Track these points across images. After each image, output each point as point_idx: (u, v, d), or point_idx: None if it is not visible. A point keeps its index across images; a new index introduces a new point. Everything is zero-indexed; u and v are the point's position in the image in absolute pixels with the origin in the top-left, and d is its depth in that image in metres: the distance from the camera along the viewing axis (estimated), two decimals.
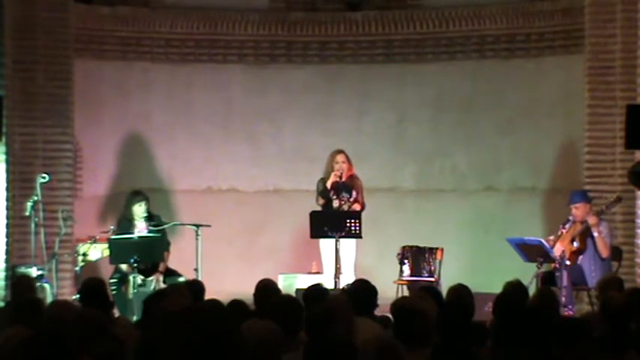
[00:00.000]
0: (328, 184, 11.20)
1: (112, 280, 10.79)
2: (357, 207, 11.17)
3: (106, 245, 10.68)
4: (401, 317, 5.75)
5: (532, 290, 8.28)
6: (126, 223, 11.12)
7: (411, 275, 11.33)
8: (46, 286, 10.34)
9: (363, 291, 7.00)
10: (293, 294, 9.93)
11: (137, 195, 11.24)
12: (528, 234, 11.03)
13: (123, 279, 10.80)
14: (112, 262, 10.83)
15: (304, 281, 10.71)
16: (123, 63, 12.61)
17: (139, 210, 11.13)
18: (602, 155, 11.27)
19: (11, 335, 4.83)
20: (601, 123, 11.25)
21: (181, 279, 10.64)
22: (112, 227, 11.09)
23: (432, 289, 7.36)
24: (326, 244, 11.09)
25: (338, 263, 10.62)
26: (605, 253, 10.31)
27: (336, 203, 11.20)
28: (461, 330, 5.52)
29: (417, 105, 12.91)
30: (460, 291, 7.14)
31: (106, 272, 11.06)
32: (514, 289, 7.21)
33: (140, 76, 12.75)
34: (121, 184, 12.50)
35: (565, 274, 10.02)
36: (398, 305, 5.86)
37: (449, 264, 11.42)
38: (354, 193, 11.23)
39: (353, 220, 10.75)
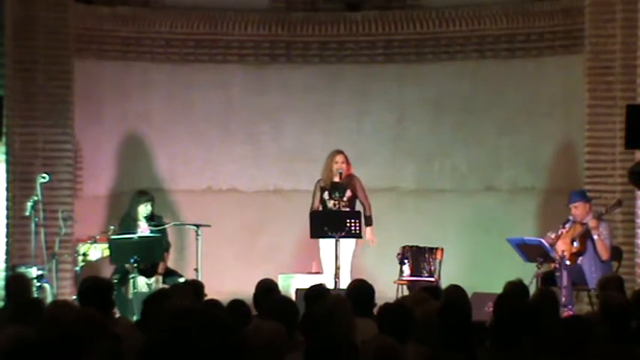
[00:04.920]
0: (322, 183, 11.25)
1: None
2: (367, 211, 11.20)
3: (106, 245, 10.69)
4: (388, 315, 5.80)
5: (532, 290, 8.29)
6: (130, 222, 11.15)
7: (411, 275, 11.32)
8: (46, 286, 10.34)
9: (361, 291, 6.99)
10: (293, 294, 9.98)
11: (144, 195, 11.29)
12: (528, 234, 11.04)
13: (123, 279, 10.80)
14: (112, 262, 10.86)
15: (304, 281, 10.71)
16: (123, 63, 12.61)
17: (144, 210, 11.16)
18: (602, 155, 11.27)
19: (11, 335, 4.82)
20: (601, 123, 11.25)
21: (181, 279, 10.64)
22: (112, 227, 11.09)
23: (435, 289, 7.37)
24: (325, 244, 11.09)
25: (338, 263, 10.62)
26: (605, 255, 10.32)
27: (330, 203, 11.22)
28: (461, 330, 5.52)
29: (417, 105, 12.91)
30: (457, 291, 7.16)
31: (106, 272, 11.06)
32: (515, 288, 7.21)
33: (140, 76, 12.75)
34: (121, 184, 12.50)
35: (565, 274, 10.03)
36: (386, 305, 5.93)
37: (449, 264, 11.42)
38: (347, 193, 11.23)
39: (353, 220, 10.76)
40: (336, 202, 11.17)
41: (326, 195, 11.25)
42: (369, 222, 11.29)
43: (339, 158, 11.28)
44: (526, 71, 12.48)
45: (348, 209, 11.14)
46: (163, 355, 4.16)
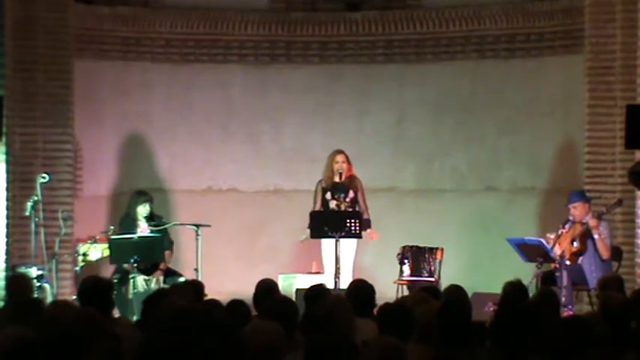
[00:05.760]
0: (323, 183, 11.26)
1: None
2: (364, 214, 11.16)
3: (106, 245, 10.69)
4: (388, 315, 5.82)
5: (532, 290, 8.28)
6: (129, 221, 11.15)
7: (411, 275, 11.32)
8: (46, 286, 10.34)
9: (361, 291, 6.99)
10: (293, 294, 9.97)
11: (142, 195, 11.28)
12: (528, 234, 11.03)
13: (123, 279, 10.80)
14: (112, 262, 10.86)
15: (304, 281, 10.71)
16: (123, 63, 12.61)
17: (143, 210, 11.16)
18: (602, 155, 11.27)
19: (11, 335, 4.83)
20: (601, 123, 11.25)
21: (181, 279, 10.64)
22: (112, 227, 11.10)
23: (435, 289, 7.37)
24: (327, 244, 11.08)
25: (338, 263, 10.62)
26: (605, 254, 10.31)
27: (332, 204, 11.21)
28: (461, 330, 5.53)
29: (417, 105, 12.91)
30: (457, 291, 7.16)
31: (106, 272, 11.06)
32: (514, 289, 7.21)
33: (140, 76, 12.75)
34: (121, 184, 12.50)
35: (565, 274, 10.03)
36: (386, 305, 5.94)
37: (449, 264, 11.43)
38: (350, 193, 11.24)
39: (353, 220, 10.76)
40: (339, 203, 11.17)
41: (328, 195, 11.25)
42: (367, 225, 11.23)
43: (340, 158, 11.28)
44: (526, 71, 12.48)
45: (350, 209, 11.15)
46: (163, 354, 4.17)
